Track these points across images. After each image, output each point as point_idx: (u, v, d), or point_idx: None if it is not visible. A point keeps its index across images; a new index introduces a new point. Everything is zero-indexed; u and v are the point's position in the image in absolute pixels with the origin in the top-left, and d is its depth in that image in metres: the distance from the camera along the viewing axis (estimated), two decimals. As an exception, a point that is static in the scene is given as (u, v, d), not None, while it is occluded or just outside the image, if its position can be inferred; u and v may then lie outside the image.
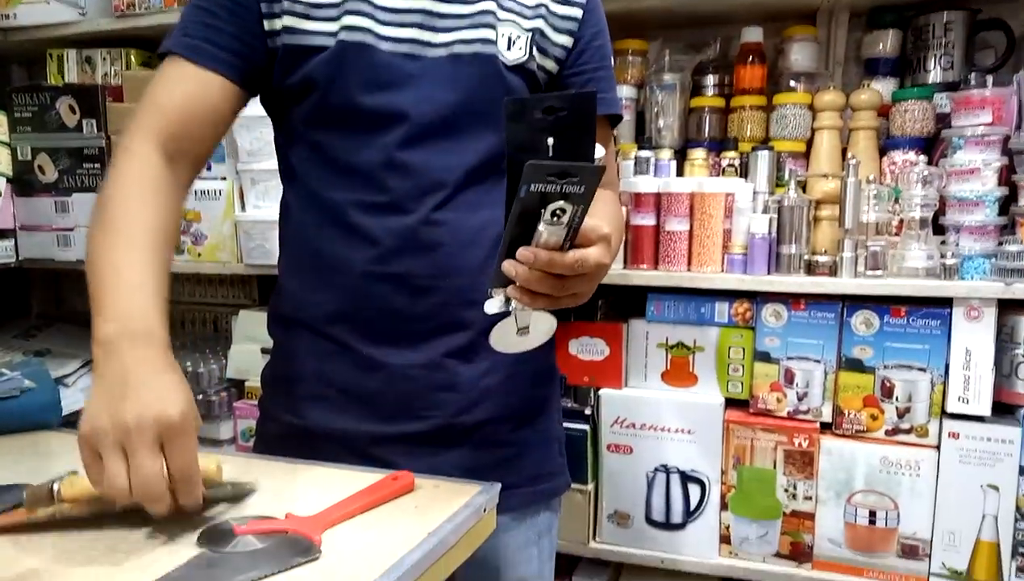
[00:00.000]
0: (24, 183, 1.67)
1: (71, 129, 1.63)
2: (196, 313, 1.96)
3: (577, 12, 0.89)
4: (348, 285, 0.86)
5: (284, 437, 0.90)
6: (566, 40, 0.90)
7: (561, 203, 0.62)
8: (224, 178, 1.56)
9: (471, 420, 0.88)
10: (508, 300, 0.71)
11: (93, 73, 1.76)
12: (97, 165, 1.62)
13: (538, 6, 0.88)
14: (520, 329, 0.73)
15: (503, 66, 0.85)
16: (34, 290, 2.09)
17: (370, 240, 0.84)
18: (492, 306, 0.72)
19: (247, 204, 1.53)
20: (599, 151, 0.86)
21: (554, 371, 1.00)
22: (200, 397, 1.57)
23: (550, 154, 0.66)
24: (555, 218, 0.63)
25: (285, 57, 0.82)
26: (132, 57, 1.73)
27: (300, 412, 0.90)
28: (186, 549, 0.61)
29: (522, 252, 0.66)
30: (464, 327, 0.86)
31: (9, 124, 1.65)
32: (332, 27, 0.81)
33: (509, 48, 0.85)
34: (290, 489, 0.74)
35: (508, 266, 0.67)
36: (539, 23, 0.87)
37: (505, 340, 0.73)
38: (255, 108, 1.49)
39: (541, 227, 0.64)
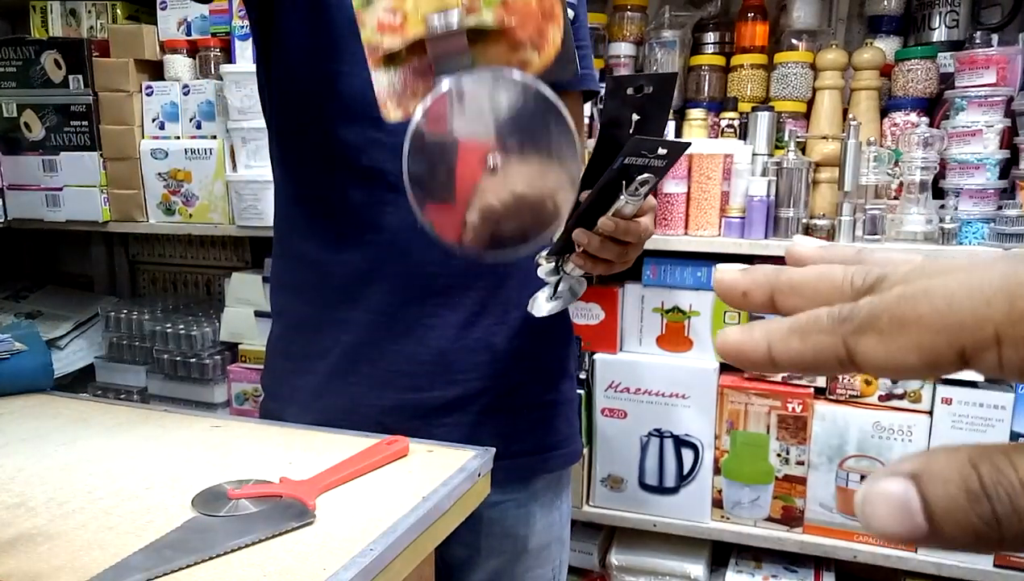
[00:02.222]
0: (10, 141, 1.64)
1: (57, 84, 1.59)
2: (188, 275, 1.95)
3: None
4: (381, 241, 0.81)
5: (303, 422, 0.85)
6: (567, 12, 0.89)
7: (647, 175, 0.66)
8: (214, 137, 1.54)
9: (507, 383, 0.86)
10: (558, 265, 0.74)
11: (78, 26, 1.71)
12: (84, 123, 1.59)
13: None
14: (557, 294, 0.77)
15: None
16: (25, 251, 2.06)
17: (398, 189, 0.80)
18: (544, 271, 0.76)
19: (238, 164, 1.51)
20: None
21: (571, 332, 1.00)
22: (193, 360, 1.57)
23: (631, 129, 0.70)
24: (637, 190, 0.67)
25: None
26: (118, 10, 1.69)
27: (322, 393, 0.85)
28: (181, 513, 0.61)
29: (605, 222, 0.69)
30: (495, 283, 0.84)
31: (-7, 80, 1.62)
32: None
33: None
34: (285, 453, 0.74)
35: (580, 234, 0.70)
36: None
37: (539, 304, 0.77)
38: (246, 64, 1.47)
39: (624, 198, 0.68)
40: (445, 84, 0.42)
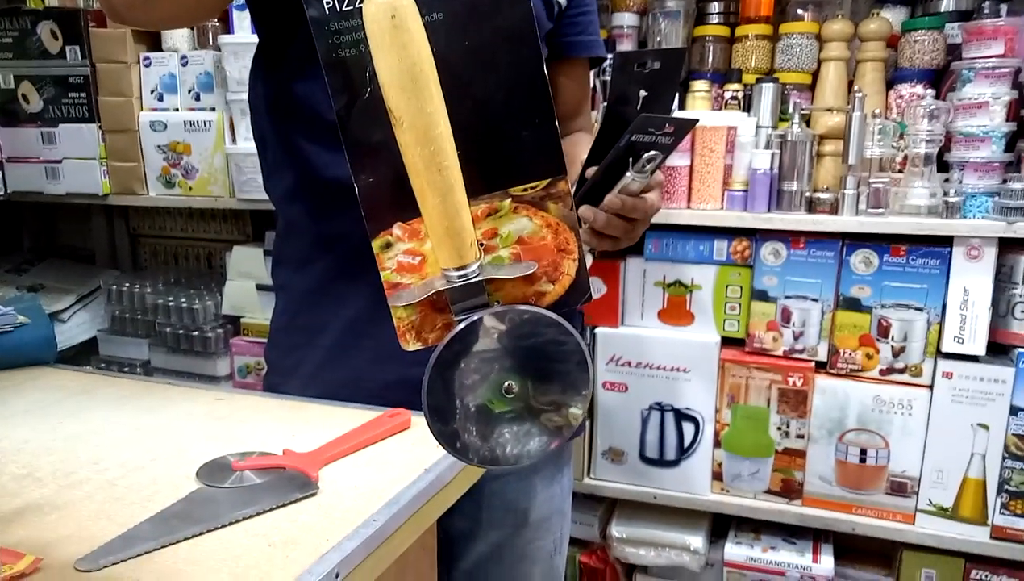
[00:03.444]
0: (8, 112, 1.63)
1: (54, 56, 1.57)
2: (189, 249, 1.95)
3: None
4: None
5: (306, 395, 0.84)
6: None
7: (653, 153, 0.66)
8: (213, 109, 1.52)
9: None
10: None
11: (75, -4, 1.69)
12: (83, 94, 1.57)
13: None
14: None
15: None
16: (25, 224, 2.06)
17: None
18: None
19: (238, 136, 1.50)
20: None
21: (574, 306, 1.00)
22: (196, 334, 1.57)
23: (639, 105, 0.70)
24: (644, 167, 0.67)
25: None
26: (114, -20, 1.66)
27: (325, 367, 0.85)
28: (185, 484, 0.61)
29: (611, 199, 0.69)
30: None
31: (-11, 50, 1.60)
32: None
33: None
34: (289, 425, 0.74)
35: (587, 212, 0.70)
36: None
37: None
38: (244, 35, 1.45)
39: (630, 175, 0.68)
40: (461, 324, 0.44)
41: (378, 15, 0.41)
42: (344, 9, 0.44)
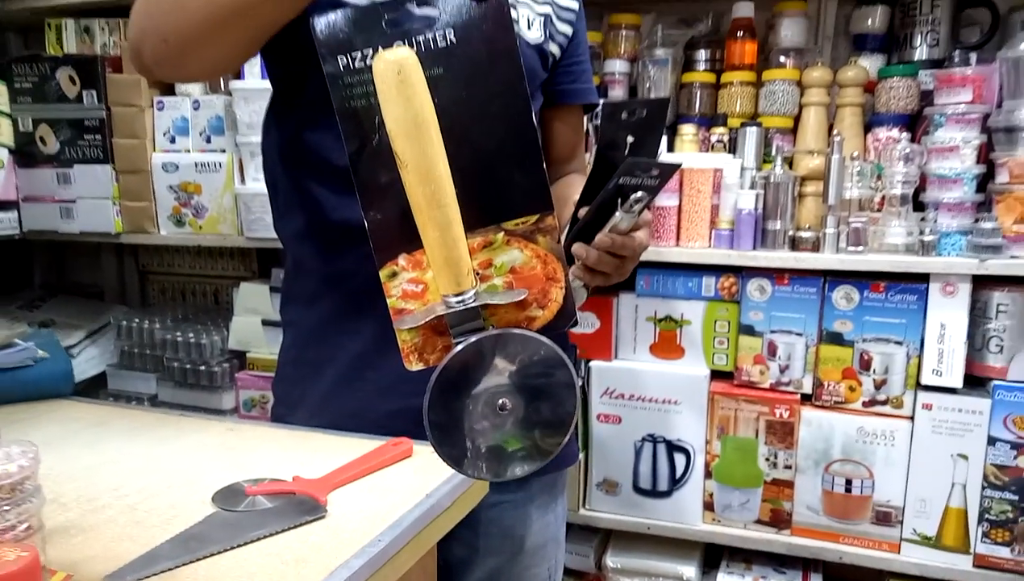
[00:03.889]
0: (26, 154, 1.69)
1: (71, 100, 1.64)
2: (197, 285, 2.00)
3: (575, 4, 0.96)
4: None
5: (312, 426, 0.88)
6: (567, 29, 0.95)
7: (641, 194, 0.71)
8: (224, 151, 1.59)
9: None
10: None
11: (92, 43, 1.77)
12: (98, 137, 1.64)
13: None
14: None
15: (524, 43, 0.88)
16: (36, 261, 2.11)
17: None
18: None
19: (247, 177, 1.56)
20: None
21: (568, 340, 1.05)
22: (202, 368, 1.62)
23: (627, 150, 0.75)
24: (631, 207, 0.72)
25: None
26: (130, 29, 1.74)
27: (330, 399, 0.88)
28: (202, 508, 0.66)
29: (602, 238, 0.74)
30: None
31: (9, 95, 1.67)
32: None
33: (529, 28, 0.89)
34: (297, 454, 0.79)
35: (579, 249, 0.75)
36: (548, 9, 0.92)
37: None
38: (254, 81, 1.52)
39: (619, 215, 0.72)
40: (459, 346, 0.50)
41: (386, 72, 0.47)
42: (356, 66, 0.50)
